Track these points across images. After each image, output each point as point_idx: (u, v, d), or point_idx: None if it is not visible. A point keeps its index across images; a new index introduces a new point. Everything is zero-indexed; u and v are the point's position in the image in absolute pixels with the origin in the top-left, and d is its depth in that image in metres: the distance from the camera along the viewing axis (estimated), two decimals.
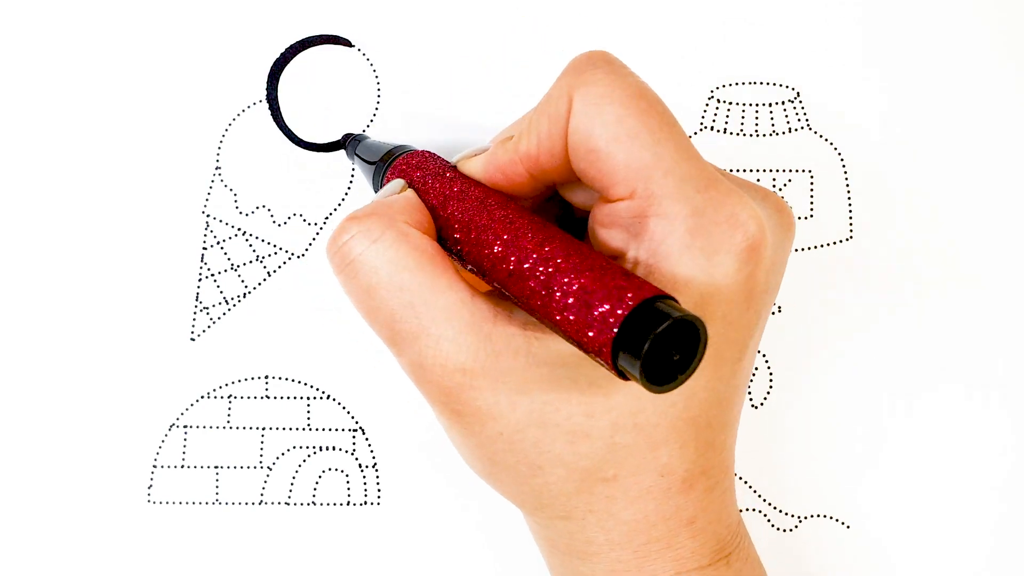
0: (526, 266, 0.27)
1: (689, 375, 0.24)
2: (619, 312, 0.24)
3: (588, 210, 0.31)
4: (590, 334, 0.24)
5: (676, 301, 0.24)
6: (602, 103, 0.27)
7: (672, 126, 0.27)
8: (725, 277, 0.26)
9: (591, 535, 0.28)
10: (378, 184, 0.35)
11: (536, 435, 0.27)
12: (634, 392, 0.27)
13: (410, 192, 0.31)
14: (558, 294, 0.25)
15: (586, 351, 0.25)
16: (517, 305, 0.28)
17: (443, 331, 0.27)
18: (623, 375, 0.24)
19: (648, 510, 0.28)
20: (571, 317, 0.25)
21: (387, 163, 0.34)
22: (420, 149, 0.34)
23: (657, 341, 0.23)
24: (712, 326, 0.26)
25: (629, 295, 0.24)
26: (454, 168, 0.32)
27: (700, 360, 0.24)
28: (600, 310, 0.24)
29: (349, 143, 0.38)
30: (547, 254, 0.26)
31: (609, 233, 0.28)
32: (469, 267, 0.29)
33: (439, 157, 0.33)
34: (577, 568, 0.29)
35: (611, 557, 0.28)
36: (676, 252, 0.26)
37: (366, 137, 0.38)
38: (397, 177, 0.33)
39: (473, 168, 0.31)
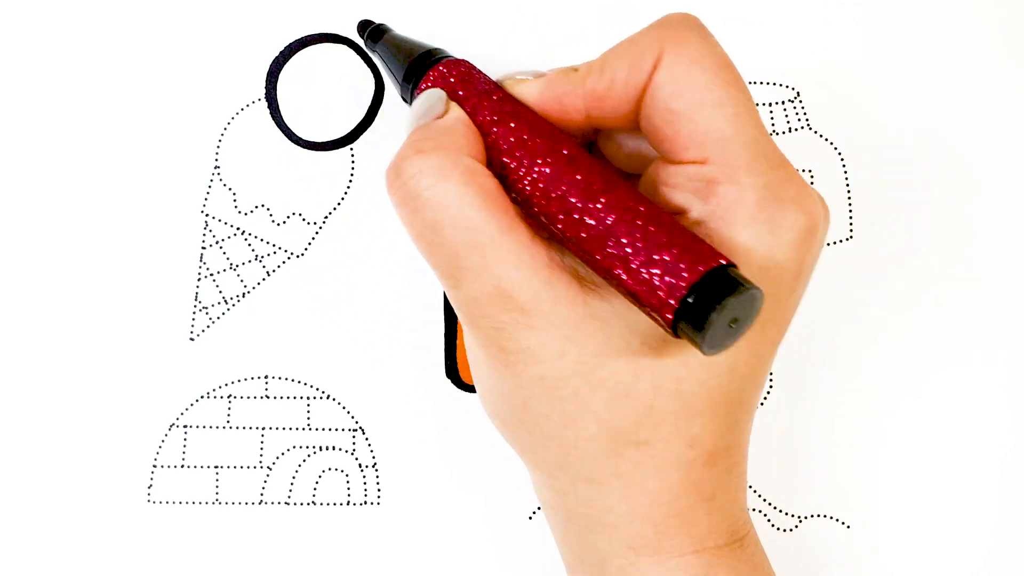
0: (590, 208, 0.26)
1: (740, 335, 0.25)
2: (687, 275, 0.24)
3: (623, 166, 0.31)
4: (658, 293, 0.24)
5: (737, 268, 0.24)
6: (694, 67, 0.27)
7: (751, 103, 0.27)
8: (783, 254, 0.27)
9: (613, 503, 0.28)
10: (408, 92, 0.33)
11: (577, 386, 0.27)
12: (682, 359, 0.27)
13: (462, 115, 0.30)
14: (625, 247, 0.25)
15: (643, 306, 0.25)
16: (567, 248, 0.28)
17: (507, 271, 0.27)
18: (676, 335, 0.24)
19: (672, 481, 0.28)
20: (637, 273, 0.25)
21: (422, 69, 0.32)
22: (456, 58, 0.33)
23: (723, 310, 0.24)
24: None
25: (700, 259, 0.24)
26: (500, 87, 0.31)
27: (748, 327, 0.25)
28: (668, 271, 0.24)
29: (369, 33, 0.36)
30: (614, 201, 0.26)
31: (672, 192, 0.28)
32: (513, 196, 0.29)
33: (481, 72, 0.32)
34: (594, 543, 0.29)
35: (631, 531, 0.28)
36: (742, 220, 0.26)
37: (389, 29, 0.36)
38: (438, 88, 0.31)
39: (526, 92, 0.30)
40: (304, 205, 0.40)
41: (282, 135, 0.40)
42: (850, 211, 0.40)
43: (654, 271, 0.24)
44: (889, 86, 0.41)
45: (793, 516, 0.38)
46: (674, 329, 0.25)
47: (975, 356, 0.39)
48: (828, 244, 0.40)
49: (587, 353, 0.27)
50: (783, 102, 0.41)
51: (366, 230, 0.39)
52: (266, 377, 0.39)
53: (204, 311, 0.39)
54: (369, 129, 0.40)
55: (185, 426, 0.38)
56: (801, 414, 0.39)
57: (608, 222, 0.26)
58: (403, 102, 0.34)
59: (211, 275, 0.39)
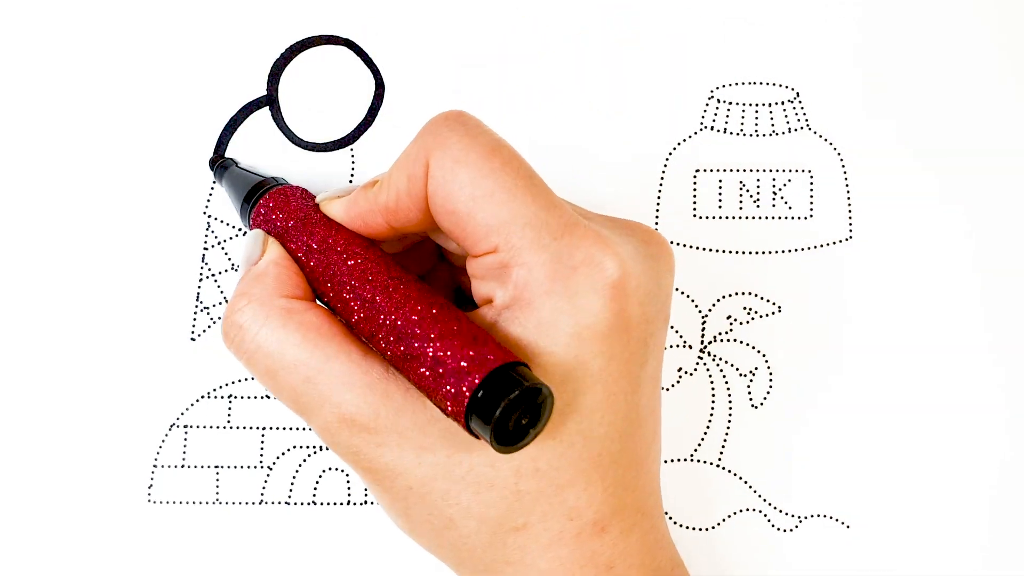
0: (384, 328, 0.28)
1: (536, 435, 0.25)
2: (465, 385, 0.25)
3: (458, 262, 0.32)
4: (444, 402, 0.26)
5: (525, 365, 0.26)
6: (457, 166, 0.28)
7: (528, 178, 0.28)
8: (592, 316, 0.27)
9: None
10: (246, 220, 0.35)
11: (444, 487, 0.28)
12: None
13: (276, 254, 0.32)
14: (414, 361, 0.27)
15: (446, 413, 0.26)
16: (388, 361, 0.29)
17: (343, 396, 0.28)
18: (476, 436, 0.25)
19: (563, 557, 0.28)
20: (427, 385, 0.26)
21: (251, 202, 0.35)
22: (282, 184, 0.35)
23: (505, 410, 0.24)
24: (590, 365, 0.27)
25: (475, 367, 0.25)
26: (317, 208, 0.32)
27: (546, 420, 0.25)
28: (452, 377, 0.25)
29: (216, 169, 0.39)
30: (403, 316, 0.27)
31: (480, 283, 0.29)
32: (339, 317, 0.30)
33: (302, 194, 0.34)
34: None
35: None
36: (538, 298, 0.27)
37: (232, 164, 0.38)
38: (260, 223, 0.33)
39: (335, 211, 0.32)
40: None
41: (283, 136, 0.40)
42: (850, 211, 0.40)
43: (443, 383, 0.26)
44: (889, 86, 0.41)
45: (793, 516, 0.38)
46: (469, 430, 0.26)
47: (975, 356, 0.39)
48: (828, 244, 0.40)
49: (441, 455, 0.28)
50: (783, 102, 0.41)
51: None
52: None
53: (205, 311, 0.39)
54: (369, 129, 0.40)
55: (186, 426, 0.38)
56: (801, 414, 0.39)
57: (405, 330, 0.27)
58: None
59: (213, 275, 0.39)
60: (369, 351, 0.29)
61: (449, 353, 0.26)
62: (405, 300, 0.28)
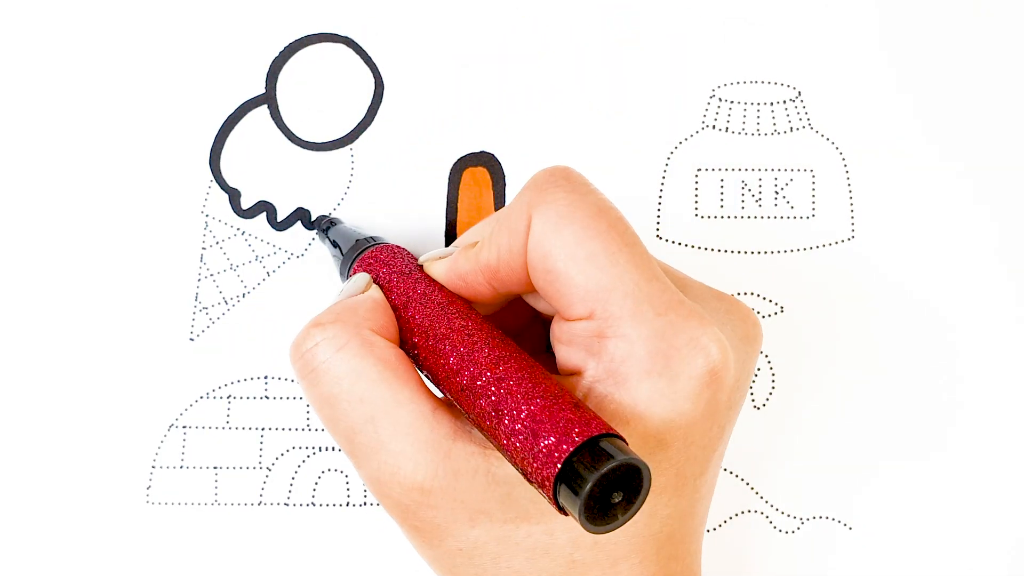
0: (478, 383, 0.27)
1: (631, 516, 0.24)
2: (564, 448, 0.24)
3: (550, 317, 0.31)
4: (534, 465, 0.24)
5: (623, 439, 0.24)
6: (561, 224, 0.26)
7: (632, 246, 0.27)
8: (686, 402, 0.26)
9: None
10: (345, 273, 0.35)
11: (496, 551, 0.27)
12: None
13: (375, 292, 0.31)
14: (506, 419, 0.25)
15: (529, 480, 0.25)
16: (469, 421, 0.28)
17: (402, 447, 0.27)
18: (563, 510, 0.24)
19: None
20: (517, 444, 0.25)
21: (356, 254, 0.34)
22: (390, 244, 0.34)
23: (599, 482, 0.23)
24: (672, 448, 0.26)
25: (575, 431, 0.24)
26: (420, 267, 0.32)
27: (643, 502, 0.24)
28: (545, 443, 0.24)
29: (322, 226, 0.38)
30: (500, 374, 0.26)
31: (568, 350, 0.28)
32: (425, 373, 0.29)
33: (407, 254, 0.33)
34: None
35: None
36: (635, 376, 0.26)
37: (339, 222, 0.38)
38: (363, 271, 0.33)
39: (436, 272, 0.31)
40: (304, 205, 0.40)
41: (282, 135, 0.40)
42: (851, 211, 0.40)
43: (537, 448, 0.24)
44: (890, 85, 0.41)
45: (794, 518, 0.38)
46: (558, 506, 0.24)
47: (976, 355, 0.39)
48: (829, 244, 0.40)
49: (497, 521, 0.27)
50: (784, 102, 0.41)
51: (366, 229, 0.39)
52: (266, 377, 0.39)
53: (204, 311, 0.39)
54: (368, 128, 0.40)
55: (184, 426, 0.38)
56: (801, 414, 0.39)
57: (493, 398, 0.26)
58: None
59: (211, 275, 0.39)
60: (440, 407, 0.28)
61: (544, 418, 0.24)
62: (504, 359, 0.27)
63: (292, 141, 0.40)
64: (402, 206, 0.40)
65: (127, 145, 0.40)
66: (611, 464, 0.23)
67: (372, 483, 0.28)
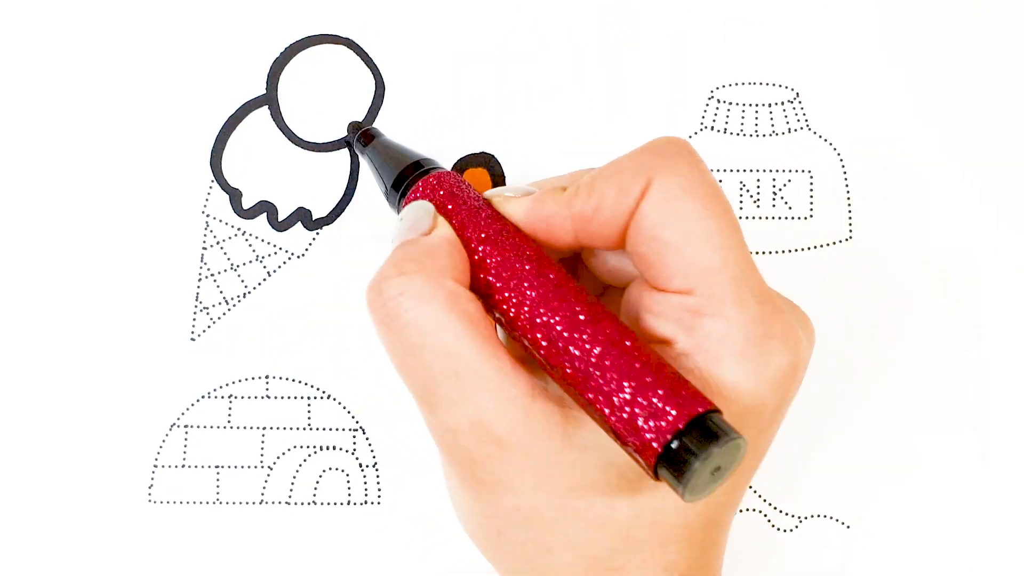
0: (575, 339, 0.26)
1: (716, 486, 0.24)
2: (671, 421, 0.24)
3: (606, 279, 0.31)
4: (641, 436, 0.24)
5: (722, 415, 0.24)
6: (683, 196, 0.26)
7: (740, 234, 0.27)
8: (768, 392, 0.27)
9: None
10: (396, 201, 0.33)
11: (553, 517, 0.27)
12: (659, 492, 0.27)
13: (447, 230, 0.29)
14: (609, 383, 0.25)
15: (624, 445, 0.25)
16: (550, 375, 0.27)
17: (484, 401, 0.26)
18: (657, 478, 0.24)
19: None
20: (620, 412, 0.25)
21: (411, 178, 0.32)
22: (446, 169, 0.32)
23: (706, 459, 0.23)
24: (749, 433, 0.27)
25: (686, 404, 0.24)
26: (488, 203, 0.30)
27: (731, 473, 0.24)
28: (653, 414, 0.24)
29: (358, 137, 0.37)
30: (600, 334, 0.26)
31: (656, 320, 0.27)
32: (497, 317, 0.28)
33: (470, 186, 0.31)
34: None
35: None
36: (730, 357, 0.26)
37: (380, 134, 0.36)
38: (423, 199, 0.31)
39: (513, 210, 0.30)
40: (305, 206, 0.40)
41: (282, 135, 0.40)
42: (849, 211, 0.40)
43: (638, 412, 0.24)
44: (888, 87, 0.41)
45: (793, 516, 0.38)
46: (655, 472, 0.24)
47: (975, 355, 0.39)
48: (828, 244, 0.40)
49: (563, 486, 0.27)
50: (783, 102, 0.41)
51: (366, 230, 0.39)
52: (267, 377, 0.39)
53: (205, 311, 0.39)
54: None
55: (186, 426, 0.38)
56: (800, 413, 0.39)
57: (593, 356, 0.25)
58: (389, 206, 0.34)
59: (212, 275, 0.39)
60: (519, 363, 0.27)
61: (652, 388, 0.24)
62: (599, 316, 0.26)
63: (293, 142, 0.40)
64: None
65: (128, 145, 0.40)
66: (721, 442, 0.23)
67: (445, 433, 0.27)
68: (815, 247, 0.40)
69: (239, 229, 0.39)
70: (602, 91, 0.41)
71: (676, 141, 0.28)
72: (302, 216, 0.39)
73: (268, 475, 0.38)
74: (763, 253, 0.40)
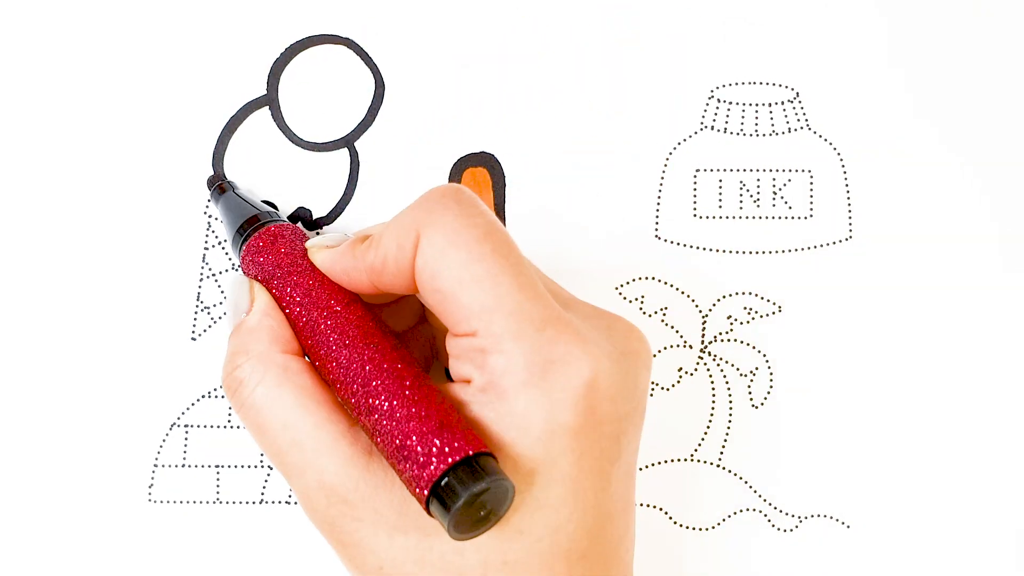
0: (358, 395, 0.28)
1: (492, 524, 0.26)
2: (437, 466, 0.25)
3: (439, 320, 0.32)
4: (411, 481, 0.26)
5: (492, 457, 0.26)
6: (447, 246, 0.28)
7: (516, 266, 0.28)
8: (565, 413, 0.27)
9: None
10: (236, 252, 0.35)
11: (412, 571, 0.28)
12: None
13: (264, 303, 0.32)
14: (383, 434, 0.27)
15: (409, 488, 0.26)
16: (360, 425, 0.29)
17: (325, 464, 0.29)
18: (430, 514, 0.26)
19: None
20: (395, 461, 0.27)
21: (243, 235, 0.35)
22: (276, 222, 0.35)
23: (469, 499, 0.25)
24: (561, 460, 0.27)
25: (448, 449, 0.26)
26: (305, 255, 0.33)
27: (503, 513, 0.26)
28: (419, 460, 0.26)
29: (212, 190, 0.39)
30: (375, 389, 0.28)
31: (456, 362, 0.29)
32: (324, 376, 0.30)
33: (292, 235, 0.34)
34: None
35: None
36: (514, 388, 0.27)
37: (230, 188, 0.38)
38: (248, 264, 0.34)
39: (320, 261, 0.32)
40: (305, 206, 0.40)
41: (283, 136, 0.40)
42: (849, 211, 0.40)
43: (410, 464, 0.26)
44: (888, 87, 0.41)
45: (793, 516, 0.38)
46: (427, 509, 0.26)
47: (975, 355, 0.39)
48: (827, 244, 0.40)
49: (413, 538, 0.28)
50: (783, 102, 0.41)
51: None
52: None
53: (206, 311, 0.39)
54: (369, 129, 0.40)
55: (186, 425, 0.38)
56: (801, 414, 0.39)
57: (373, 411, 0.28)
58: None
59: (213, 275, 0.39)
60: (355, 423, 0.29)
61: (416, 436, 0.26)
62: (378, 372, 0.28)
63: (293, 142, 0.40)
64: (402, 206, 0.40)
65: (130, 146, 0.40)
66: (481, 484, 0.25)
67: (303, 499, 0.29)
68: (815, 247, 0.40)
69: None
70: (602, 91, 0.41)
71: (444, 190, 0.29)
72: (302, 216, 0.40)
73: (268, 475, 0.38)
74: (763, 253, 0.40)
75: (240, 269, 0.35)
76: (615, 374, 0.28)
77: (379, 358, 0.29)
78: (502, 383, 0.27)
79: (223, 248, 0.39)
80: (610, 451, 0.28)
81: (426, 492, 0.26)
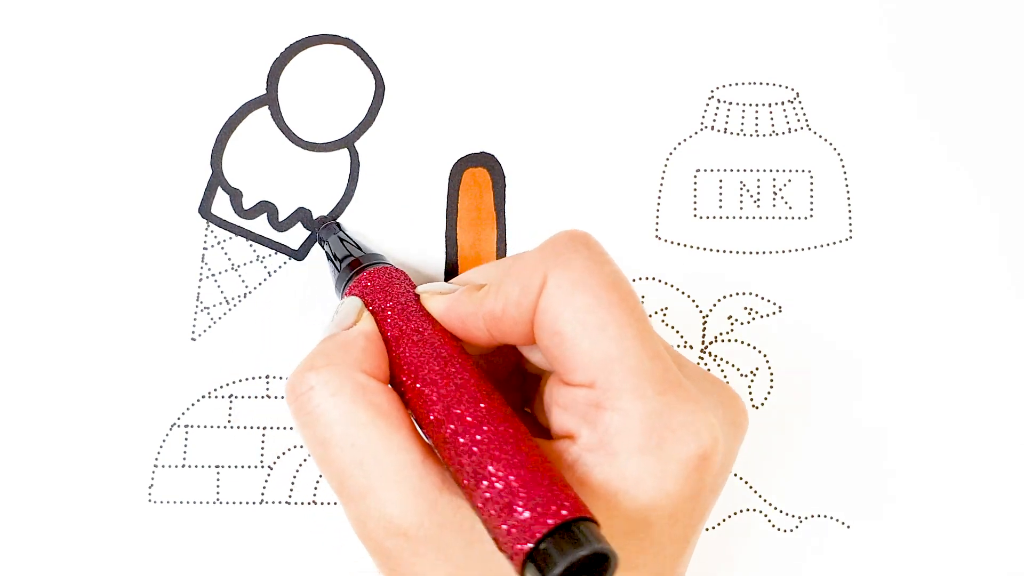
0: (461, 440, 0.27)
1: None
2: (538, 527, 0.24)
3: (540, 370, 0.31)
4: (507, 537, 0.24)
5: (597, 523, 0.24)
6: (575, 289, 0.27)
7: (641, 321, 0.27)
8: (674, 483, 0.26)
9: None
10: (341, 289, 0.35)
11: None
12: None
13: (367, 324, 0.31)
14: (484, 483, 0.25)
15: (499, 548, 0.25)
16: (448, 468, 0.28)
17: (390, 493, 0.27)
18: None
19: None
20: (492, 512, 0.25)
21: (352, 272, 0.34)
22: (387, 265, 0.34)
23: (568, 567, 0.23)
24: (655, 528, 0.27)
25: (552, 511, 0.24)
26: (416, 299, 0.32)
27: None
28: (520, 517, 0.24)
29: (321, 233, 0.38)
30: (485, 434, 0.26)
31: (564, 414, 0.28)
32: (411, 413, 0.29)
33: (405, 279, 0.33)
34: None
35: None
36: (627, 451, 0.26)
37: (337, 230, 0.38)
38: (359, 295, 0.33)
39: (435, 307, 0.31)
40: (305, 206, 0.40)
41: (282, 135, 0.40)
42: (849, 211, 0.40)
43: (510, 519, 0.24)
44: (889, 87, 0.41)
45: (793, 516, 0.38)
46: (522, 572, 0.24)
47: (975, 356, 0.39)
48: (828, 244, 0.40)
49: None
50: (783, 102, 0.41)
51: (366, 230, 0.39)
52: (267, 377, 0.39)
53: (206, 311, 0.39)
54: (369, 129, 0.40)
55: (186, 426, 0.38)
56: (801, 414, 0.39)
57: (473, 458, 0.26)
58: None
59: (212, 275, 0.39)
60: (430, 454, 0.28)
61: (522, 492, 0.25)
62: (488, 418, 0.27)
63: (293, 142, 0.40)
64: (402, 206, 0.40)
65: (129, 146, 0.40)
66: (582, 552, 0.23)
67: (358, 525, 0.28)
68: (815, 247, 0.40)
69: (240, 229, 0.40)
70: (602, 91, 0.41)
71: (573, 234, 0.28)
72: (302, 216, 0.40)
73: (268, 475, 0.38)
74: (763, 253, 0.40)
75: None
76: (725, 447, 0.28)
77: (489, 406, 0.27)
78: (614, 443, 0.26)
79: (223, 248, 0.39)
80: (698, 521, 0.28)
81: (525, 552, 0.24)
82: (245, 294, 0.39)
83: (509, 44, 0.41)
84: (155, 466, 0.38)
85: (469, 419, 0.27)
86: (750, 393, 0.39)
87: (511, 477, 0.25)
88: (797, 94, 0.41)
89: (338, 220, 0.39)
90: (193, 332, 0.39)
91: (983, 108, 0.41)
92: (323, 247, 0.38)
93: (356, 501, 0.28)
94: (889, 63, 0.41)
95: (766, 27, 0.41)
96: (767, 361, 0.39)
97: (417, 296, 0.32)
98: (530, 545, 0.24)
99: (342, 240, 0.37)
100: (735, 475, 0.39)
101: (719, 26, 0.41)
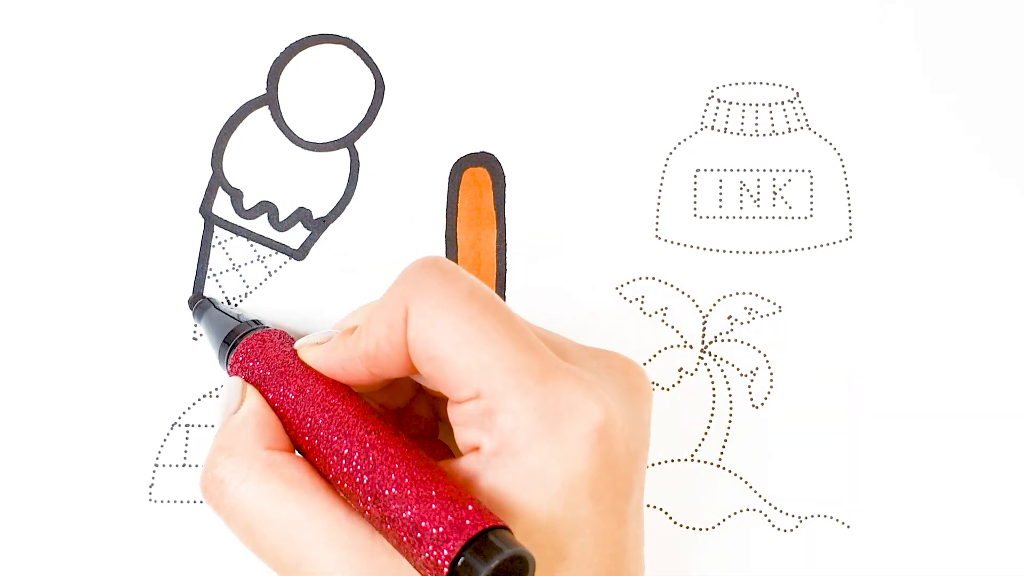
0: (360, 486, 0.27)
1: None
2: (447, 549, 0.24)
3: (438, 393, 0.31)
4: (424, 568, 0.25)
5: (507, 529, 0.25)
6: (436, 312, 0.27)
7: (507, 323, 0.28)
8: (580, 463, 0.27)
9: None
10: (224, 364, 0.35)
11: None
12: None
13: (255, 403, 0.31)
14: (391, 522, 0.26)
15: (423, 573, 0.25)
16: (363, 515, 0.28)
17: (325, 557, 0.27)
18: None
19: None
20: (404, 547, 0.26)
21: (230, 345, 0.34)
22: (260, 329, 0.34)
23: (487, 574, 0.24)
24: (582, 507, 0.27)
25: (455, 531, 0.25)
26: (295, 355, 0.32)
27: None
28: (428, 546, 0.25)
29: (194, 309, 0.38)
30: (379, 475, 0.27)
31: (463, 430, 0.28)
32: (319, 469, 0.30)
33: (280, 339, 0.33)
34: None
35: None
36: (526, 445, 0.27)
37: (211, 305, 0.38)
38: (238, 371, 0.33)
39: (313, 359, 0.31)
40: (305, 205, 0.40)
41: (282, 135, 0.40)
42: (849, 211, 0.40)
43: (423, 546, 0.25)
44: (888, 87, 0.41)
45: (793, 516, 0.38)
46: None
47: (975, 355, 0.39)
48: (827, 244, 0.40)
49: None
50: (783, 102, 0.41)
51: (367, 230, 0.39)
52: None
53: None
54: (369, 129, 0.40)
55: (187, 425, 0.38)
56: (801, 414, 0.39)
57: (377, 495, 0.27)
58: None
59: (213, 275, 0.39)
60: (354, 511, 0.28)
61: (427, 518, 0.25)
62: (381, 459, 0.27)
63: (293, 142, 0.40)
64: (402, 206, 0.40)
65: (130, 146, 0.40)
66: (494, 562, 0.24)
67: None
68: (815, 247, 0.40)
69: (240, 229, 0.40)
70: (602, 91, 0.41)
71: (424, 261, 0.29)
72: (302, 216, 0.40)
73: None
74: (763, 253, 0.40)
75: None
76: (623, 414, 0.28)
77: (381, 444, 0.28)
78: (514, 442, 0.27)
79: (223, 248, 0.39)
80: (624, 491, 0.28)
81: (445, 570, 0.24)
82: (245, 294, 0.39)
83: (509, 44, 0.41)
84: (156, 465, 0.38)
85: (360, 462, 0.28)
86: (750, 393, 0.39)
87: (414, 508, 0.26)
88: (797, 94, 0.41)
89: (208, 296, 0.39)
90: (194, 332, 0.39)
91: (983, 108, 0.41)
92: (196, 325, 0.38)
93: (296, 574, 0.28)
94: (889, 63, 0.41)
95: (766, 27, 0.41)
96: (767, 361, 0.39)
97: (295, 352, 0.32)
98: (446, 570, 0.24)
99: (219, 312, 0.37)
100: (733, 474, 0.39)
101: (719, 26, 0.41)
